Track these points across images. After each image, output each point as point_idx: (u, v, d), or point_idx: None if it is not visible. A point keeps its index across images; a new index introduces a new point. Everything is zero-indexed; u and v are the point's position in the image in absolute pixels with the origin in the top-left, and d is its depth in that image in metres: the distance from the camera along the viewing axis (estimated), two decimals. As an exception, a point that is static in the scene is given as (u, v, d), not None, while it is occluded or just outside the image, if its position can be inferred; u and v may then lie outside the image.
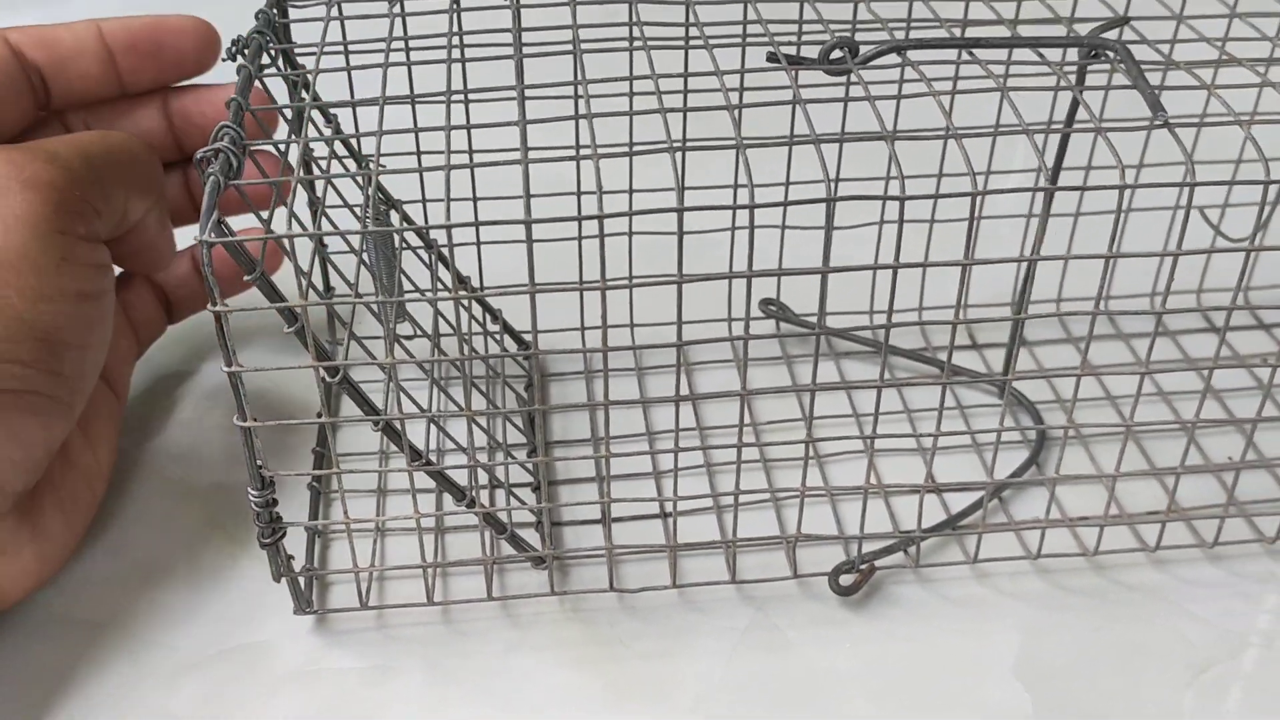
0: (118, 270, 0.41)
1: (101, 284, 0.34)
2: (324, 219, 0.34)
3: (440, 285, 0.41)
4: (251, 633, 0.35)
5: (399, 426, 0.31)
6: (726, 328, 0.45)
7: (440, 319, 0.39)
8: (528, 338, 0.45)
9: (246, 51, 0.32)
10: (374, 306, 0.34)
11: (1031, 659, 0.34)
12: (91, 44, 0.38)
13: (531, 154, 0.29)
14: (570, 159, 0.31)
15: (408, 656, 0.34)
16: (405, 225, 0.40)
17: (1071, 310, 0.45)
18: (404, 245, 0.39)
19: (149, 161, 0.36)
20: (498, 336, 0.44)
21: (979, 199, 0.28)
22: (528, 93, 0.31)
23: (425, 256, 0.41)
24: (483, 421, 0.39)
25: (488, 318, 0.44)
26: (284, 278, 0.29)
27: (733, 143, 0.29)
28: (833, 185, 0.28)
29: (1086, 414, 0.42)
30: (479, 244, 0.41)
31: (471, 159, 0.39)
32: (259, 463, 0.30)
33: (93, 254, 0.34)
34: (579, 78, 0.32)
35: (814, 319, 0.45)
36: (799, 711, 0.33)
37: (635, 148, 0.38)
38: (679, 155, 0.35)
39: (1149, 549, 0.36)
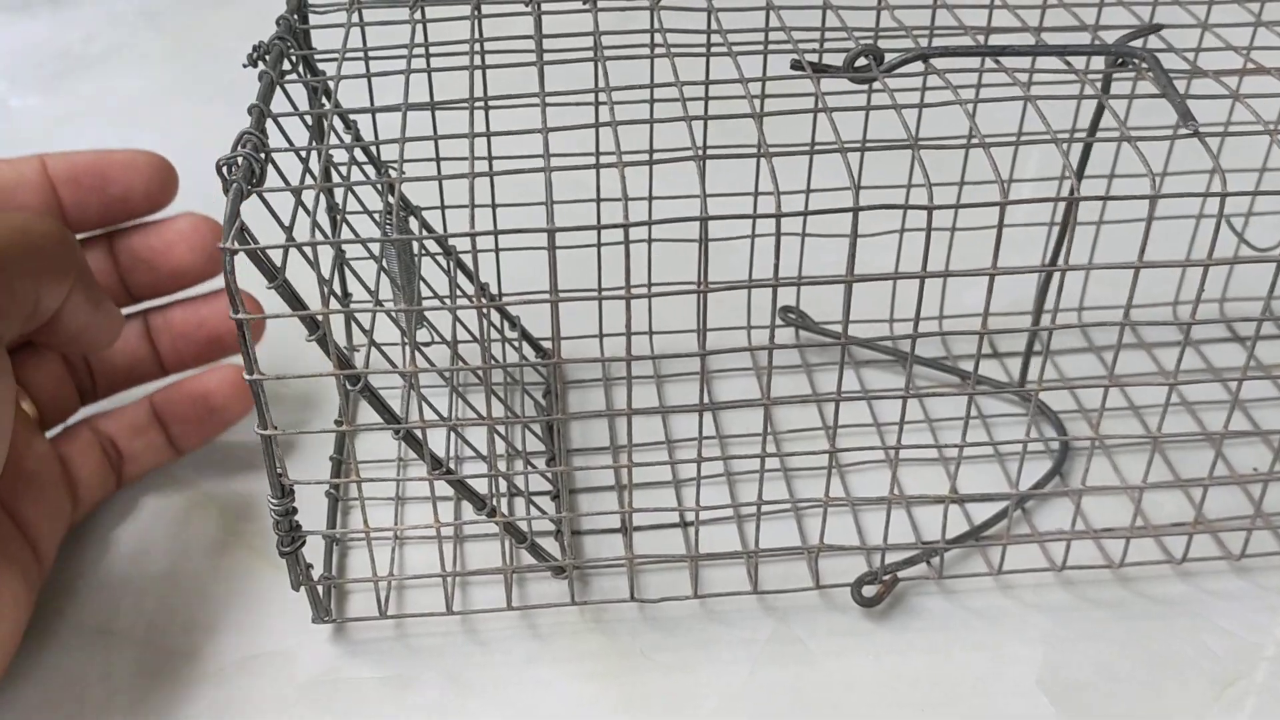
0: (76, 417, 0.39)
1: None
2: (344, 226, 0.34)
3: (459, 292, 0.40)
4: (270, 641, 0.35)
5: (420, 434, 0.30)
6: (746, 335, 0.45)
7: (459, 326, 0.39)
8: (546, 345, 0.44)
9: (268, 58, 0.32)
10: (394, 315, 0.34)
11: (1055, 672, 0.34)
12: (32, 176, 0.36)
13: (553, 161, 0.28)
14: (591, 166, 0.31)
15: (426, 666, 0.34)
16: (426, 233, 0.40)
17: (1096, 321, 0.45)
18: (423, 252, 0.39)
19: (58, 240, 0.32)
20: (516, 344, 0.44)
21: (1004, 208, 0.28)
22: (548, 99, 0.30)
23: (443, 263, 0.41)
24: (502, 430, 0.39)
25: (505, 325, 0.44)
26: (305, 285, 0.29)
27: (756, 150, 0.29)
28: (857, 193, 0.28)
29: (1109, 424, 0.42)
30: (497, 251, 0.41)
31: (491, 166, 0.39)
32: (279, 471, 0.30)
33: None
34: (599, 85, 0.31)
35: (832, 327, 0.45)
36: (819, 719, 0.32)
37: (658, 155, 0.38)
38: (703, 163, 0.35)
39: (1175, 561, 0.36)
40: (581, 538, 0.38)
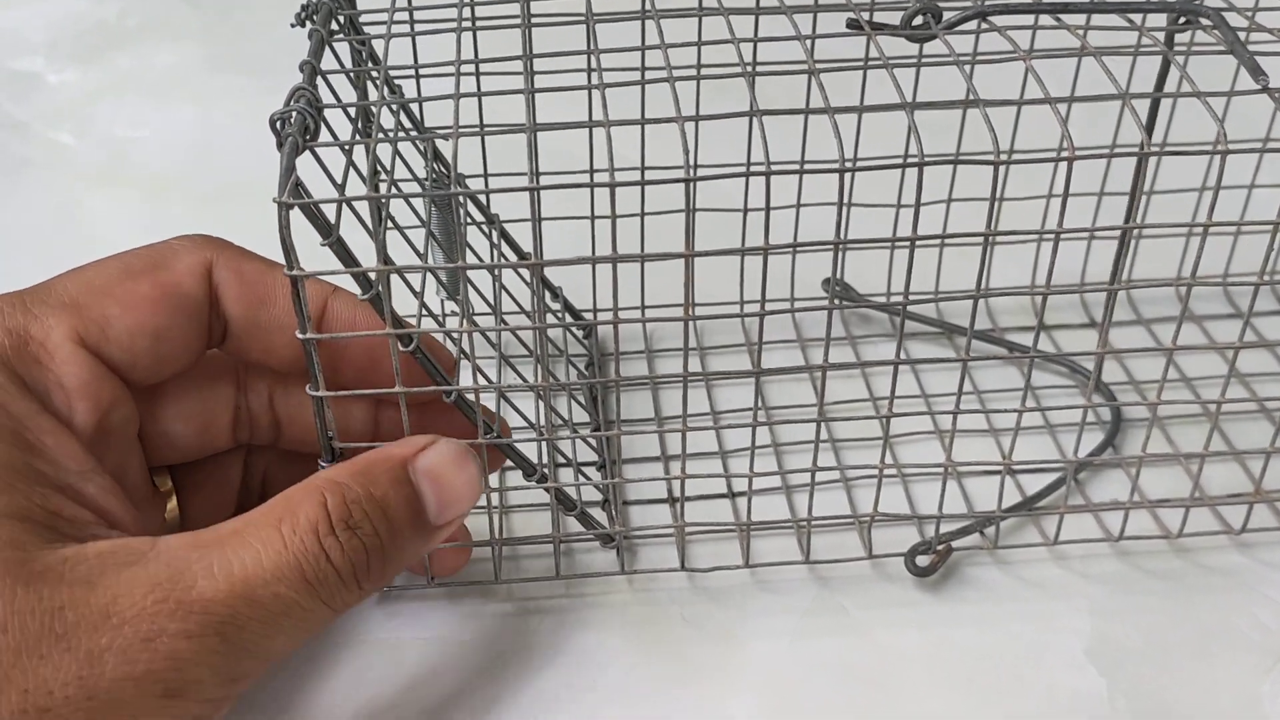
0: None
1: None
2: (391, 187, 0.33)
3: (504, 260, 0.40)
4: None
5: (471, 399, 0.30)
6: (789, 308, 0.44)
7: (505, 297, 0.39)
8: (588, 316, 0.44)
9: (316, 17, 0.32)
10: (442, 276, 0.34)
11: (1106, 642, 0.33)
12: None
13: (605, 120, 0.28)
14: (636, 123, 0.30)
15: (470, 631, 0.34)
16: (472, 204, 0.39)
17: (1147, 294, 0.44)
18: (468, 221, 0.39)
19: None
20: (559, 315, 0.43)
21: (1071, 164, 0.27)
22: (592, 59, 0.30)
23: (486, 231, 0.40)
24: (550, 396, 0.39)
25: (548, 297, 0.43)
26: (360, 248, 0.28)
27: (812, 108, 0.28)
28: (921, 148, 0.27)
29: (1162, 395, 0.41)
30: (539, 220, 0.41)
31: (534, 122, 0.38)
32: (330, 434, 0.30)
33: None
34: (645, 44, 0.31)
35: (875, 299, 0.44)
36: (866, 693, 0.32)
37: (710, 115, 0.38)
38: (760, 119, 0.34)
39: (1234, 532, 0.35)
40: (628, 508, 0.37)
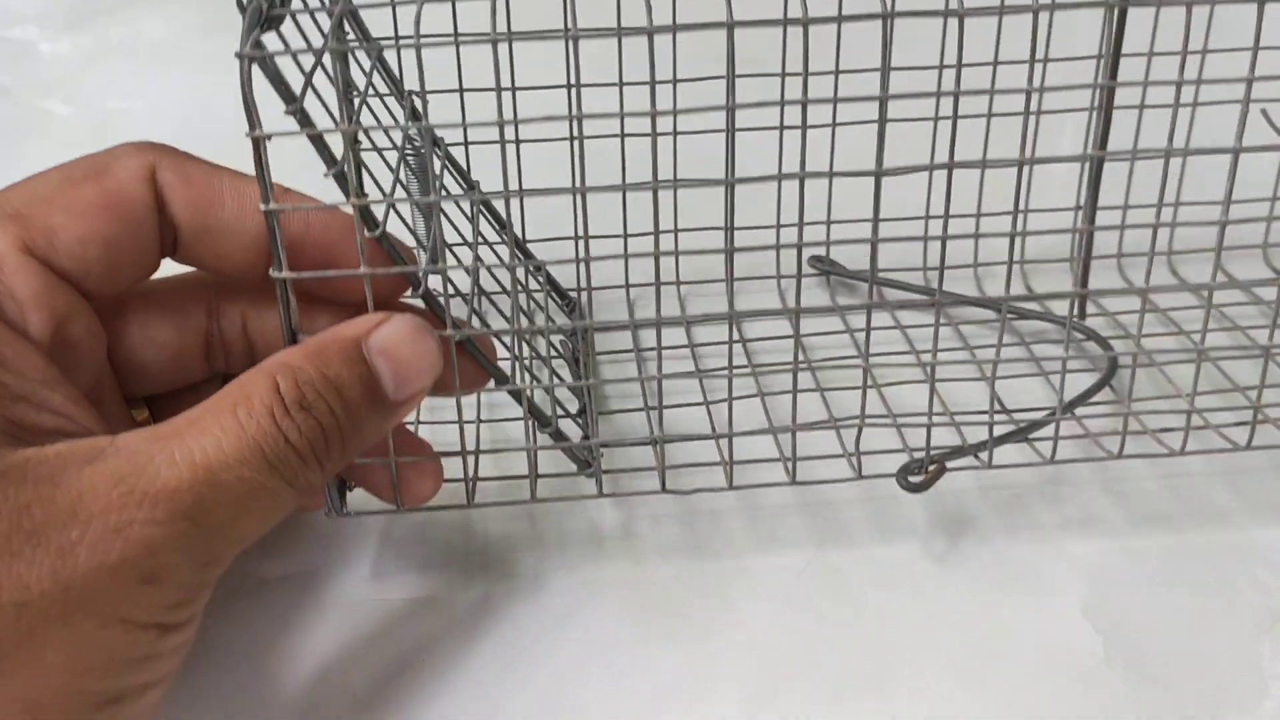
0: None
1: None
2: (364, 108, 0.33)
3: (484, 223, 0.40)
4: (295, 563, 0.34)
5: (440, 293, 0.29)
6: (776, 285, 0.44)
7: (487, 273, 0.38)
8: (572, 295, 0.43)
9: None
10: (419, 231, 0.33)
11: (1104, 601, 0.32)
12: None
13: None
14: (613, 84, 0.30)
15: (453, 585, 0.33)
16: (451, 167, 0.39)
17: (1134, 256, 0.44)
18: (445, 164, 0.38)
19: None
20: (540, 281, 0.43)
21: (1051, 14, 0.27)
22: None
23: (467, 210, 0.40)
24: (522, 300, 0.38)
25: (530, 266, 0.43)
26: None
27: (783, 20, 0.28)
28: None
29: (1156, 343, 0.40)
30: (520, 194, 0.40)
31: (515, 100, 0.39)
32: (294, 327, 0.29)
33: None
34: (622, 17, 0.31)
35: (864, 274, 0.44)
36: (856, 650, 0.31)
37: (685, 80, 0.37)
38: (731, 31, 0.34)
39: (1240, 448, 0.34)
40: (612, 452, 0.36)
